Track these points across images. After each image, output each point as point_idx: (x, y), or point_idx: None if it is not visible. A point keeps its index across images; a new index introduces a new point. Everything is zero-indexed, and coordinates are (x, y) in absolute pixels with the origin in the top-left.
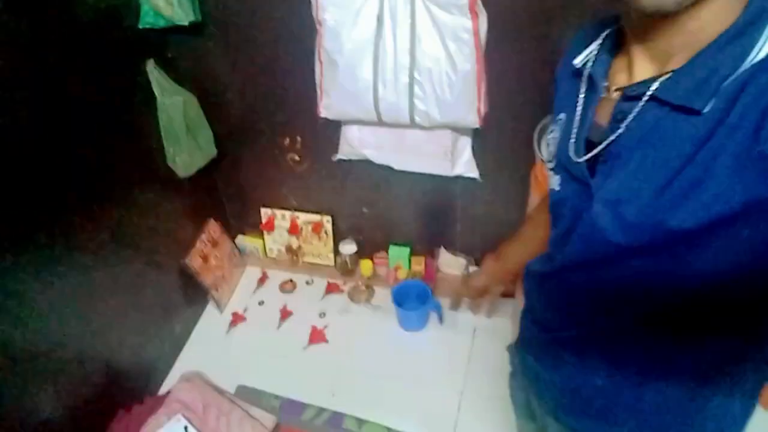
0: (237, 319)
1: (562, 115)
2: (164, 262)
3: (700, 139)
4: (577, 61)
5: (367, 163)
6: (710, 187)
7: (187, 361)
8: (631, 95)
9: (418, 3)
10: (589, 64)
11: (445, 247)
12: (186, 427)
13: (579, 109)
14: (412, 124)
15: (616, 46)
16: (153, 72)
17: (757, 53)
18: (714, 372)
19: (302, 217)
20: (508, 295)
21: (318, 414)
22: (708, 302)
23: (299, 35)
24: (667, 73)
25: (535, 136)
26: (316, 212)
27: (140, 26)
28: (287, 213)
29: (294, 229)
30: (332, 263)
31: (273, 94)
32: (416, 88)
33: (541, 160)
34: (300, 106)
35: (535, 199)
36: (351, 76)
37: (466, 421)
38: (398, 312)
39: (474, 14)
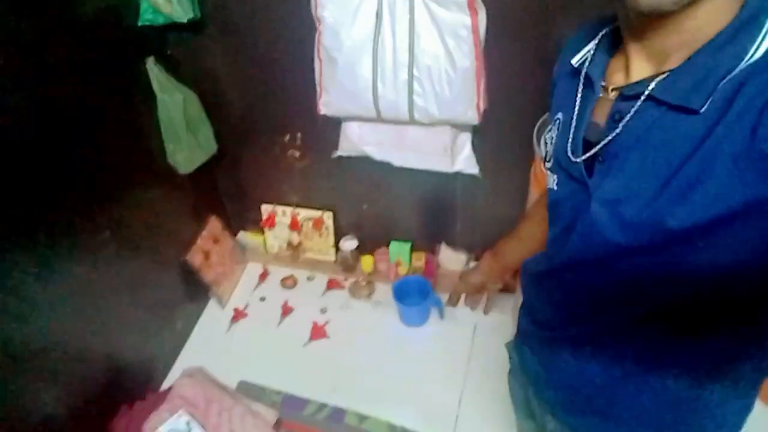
0: (238, 315)
1: (560, 115)
2: (165, 259)
3: (697, 138)
4: (575, 61)
5: (368, 159)
6: (709, 186)
7: (189, 357)
8: (628, 95)
9: (417, 0)
10: (587, 63)
11: (446, 243)
12: (188, 423)
13: (576, 108)
14: (412, 121)
15: (614, 45)
16: (153, 69)
17: (754, 52)
18: (713, 370)
19: (303, 214)
20: (508, 290)
21: (319, 409)
22: (707, 301)
23: (299, 32)
24: (664, 72)
25: (535, 132)
26: (317, 208)
27: (139, 24)
28: (288, 209)
29: (295, 226)
30: (333, 259)
31: (273, 91)
32: (415, 85)
33: (541, 157)
34: (300, 103)
35: (534, 195)
36: (350, 74)
37: (467, 416)
38: (399, 308)
39: (473, 11)
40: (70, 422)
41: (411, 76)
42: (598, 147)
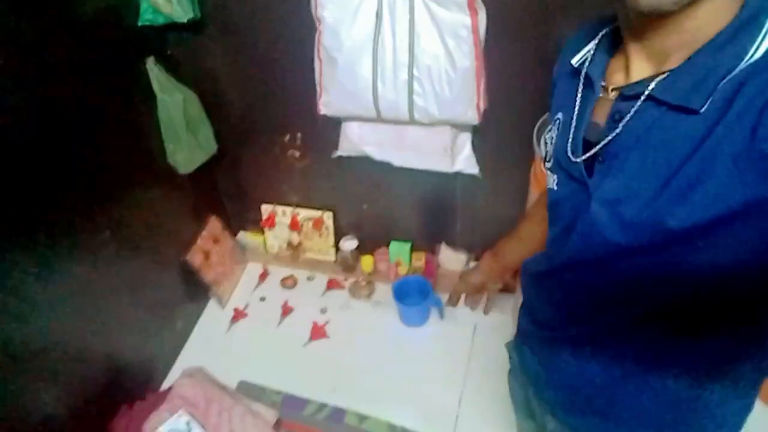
0: (238, 315)
1: (560, 115)
2: (166, 259)
3: (697, 138)
4: (575, 61)
5: (368, 159)
6: (709, 186)
7: (189, 357)
8: (628, 95)
9: (417, 0)
10: (587, 63)
11: (446, 243)
12: (188, 423)
13: (576, 108)
14: (412, 121)
15: (614, 45)
16: (153, 69)
17: (754, 52)
18: (713, 370)
19: (303, 214)
20: (508, 290)
21: (319, 409)
22: (707, 301)
23: (299, 32)
24: (664, 72)
25: (535, 132)
26: (317, 208)
27: (139, 24)
28: (288, 209)
29: (295, 226)
30: (333, 259)
31: (273, 91)
32: (415, 85)
33: (541, 157)
34: (300, 103)
35: (534, 195)
36: (350, 74)
37: (467, 416)
38: (399, 308)
39: (473, 11)
40: (70, 422)
41: (411, 76)
42: (598, 147)
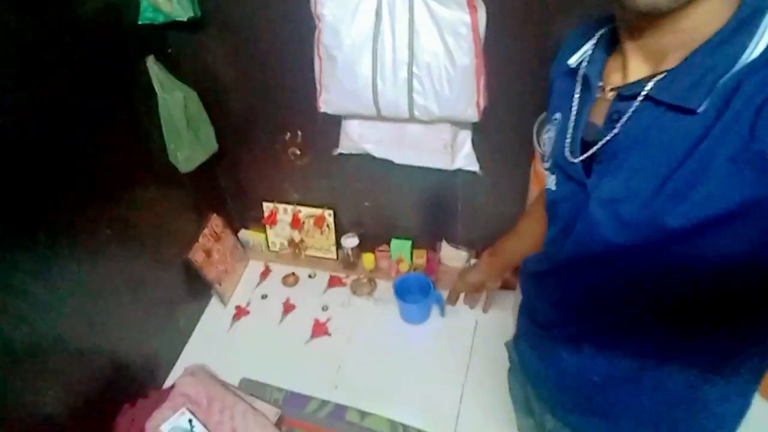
0: (240, 312)
1: (558, 115)
2: (167, 257)
3: (695, 138)
4: (572, 61)
5: (368, 157)
6: (707, 185)
7: (191, 355)
8: (626, 95)
9: None
10: (584, 63)
11: (447, 240)
12: (190, 420)
13: (574, 109)
14: (412, 119)
15: (611, 46)
16: (153, 68)
17: (752, 52)
18: (713, 368)
19: (304, 211)
20: (508, 287)
21: (321, 406)
22: (706, 300)
23: (298, 30)
24: (661, 72)
25: (535, 129)
26: (318, 206)
27: (140, 22)
28: (289, 207)
29: (296, 223)
30: (334, 257)
31: (273, 89)
32: (415, 83)
33: (540, 154)
34: (300, 101)
35: (534, 192)
36: (350, 72)
37: (468, 413)
38: (400, 305)
39: (472, 9)
40: (72, 421)
41: (411, 74)
42: (597, 147)
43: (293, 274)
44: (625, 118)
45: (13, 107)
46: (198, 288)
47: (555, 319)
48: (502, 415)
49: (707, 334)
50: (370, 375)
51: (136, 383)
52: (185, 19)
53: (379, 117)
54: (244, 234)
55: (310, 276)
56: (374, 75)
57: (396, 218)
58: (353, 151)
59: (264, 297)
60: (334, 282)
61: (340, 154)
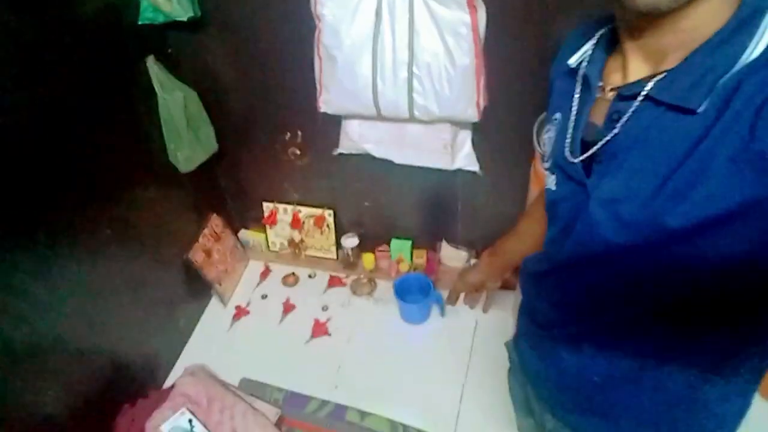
0: (240, 312)
1: (558, 115)
2: (167, 257)
3: (695, 138)
4: (572, 61)
5: (368, 156)
6: (707, 185)
7: (191, 355)
8: (626, 95)
9: None
10: (584, 64)
11: (447, 240)
12: (190, 420)
13: (574, 109)
14: (412, 119)
15: (611, 46)
16: (153, 68)
17: (752, 52)
18: (713, 368)
19: (304, 211)
20: (508, 287)
21: (321, 406)
22: (706, 300)
23: (299, 30)
24: (661, 72)
25: (535, 129)
26: (318, 206)
27: (140, 22)
28: (289, 207)
29: (296, 223)
30: (334, 257)
31: (273, 89)
32: (415, 83)
33: (540, 154)
34: (300, 101)
35: (534, 192)
36: (350, 72)
37: (469, 413)
38: (400, 305)
39: (472, 9)
40: (72, 421)
41: (411, 74)
42: (597, 147)
43: (293, 274)
44: (625, 118)
45: (13, 107)
46: (198, 288)
47: (555, 319)
48: (503, 415)
49: (707, 334)
50: (370, 375)
51: (136, 383)
52: (185, 19)
53: (379, 117)
54: (244, 234)
55: (310, 276)
56: (374, 75)
57: (396, 218)
58: (353, 151)
59: (264, 297)
60: (334, 282)
61: (340, 154)
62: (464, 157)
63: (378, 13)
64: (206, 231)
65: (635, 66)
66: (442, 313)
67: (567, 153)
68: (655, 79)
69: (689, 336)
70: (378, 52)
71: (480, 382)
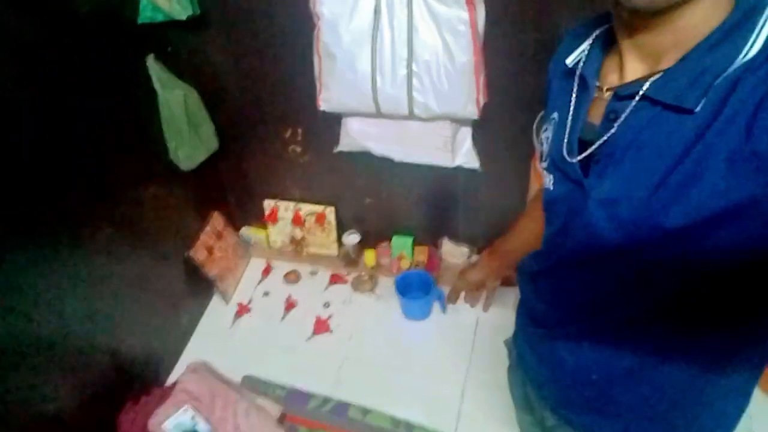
0: (242, 310)
1: (555, 115)
2: (169, 255)
3: (692, 137)
4: (569, 61)
5: (369, 154)
6: (704, 185)
7: (193, 352)
8: (623, 95)
9: None
10: (581, 63)
11: (448, 237)
12: (193, 417)
13: (571, 109)
14: (412, 116)
15: (608, 45)
16: (153, 66)
17: (748, 51)
18: (710, 365)
19: (305, 209)
20: (509, 284)
21: (323, 403)
22: (703, 299)
23: (298, 28)
24: (658, 72)
25: (535, 126)
26: (319, 203)
27: (139, 21)
28: (290, 204)
29: (297, 221)
30: (336, 254)
31: (273, 87)
32: (414, 81)
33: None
34: (300, 98)
35: (534, 188)
36: (349, 69)
37: (470, 410)
38: (402, 301)
39: (471, 6)
40: (76, 418)
41: (410, 71)
42: (594, 147)
43: (295, 271)
44: (622, 118)
45: (14, 107)
46: (200, 286)
47: (553, 318)
48: (504, 411)
49: (706, 332)
50: (371, 372)
51: (139, 380)
52: (185, 18)
53: (379, 114)
54: (246, 231)
55: (311, 273)
56: (373, 73)
57: (397, 215)
58: (354, 149)
59: (266, 294)
60: (335, 279)
61: (341, 151)
62: (464, 154)
63: (377, 11)
64: (208, 229)
65: (632, 65)
66: (444, 309)
67: (564, 153)
68: (652, 78)
69: (688, 334)
70: (377, 49)
71: (481, 378)
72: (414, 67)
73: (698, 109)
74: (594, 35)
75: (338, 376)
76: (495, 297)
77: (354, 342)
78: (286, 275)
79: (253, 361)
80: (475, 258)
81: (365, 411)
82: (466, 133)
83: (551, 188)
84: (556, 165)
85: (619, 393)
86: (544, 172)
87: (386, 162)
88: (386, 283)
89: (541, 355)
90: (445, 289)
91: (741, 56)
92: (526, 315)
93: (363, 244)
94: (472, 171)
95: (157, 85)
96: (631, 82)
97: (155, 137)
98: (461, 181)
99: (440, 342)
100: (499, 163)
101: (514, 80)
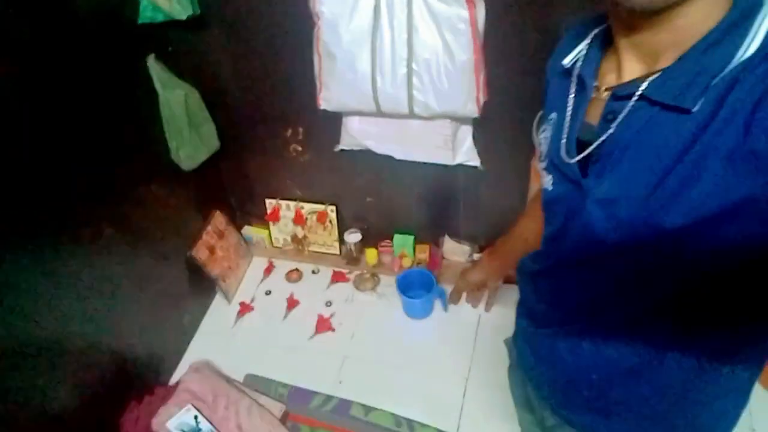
0: (244, 309)
1: (553, 115)
2: (171, 254)
3: (690, 137)
4: (566, 61)
5: (370, 152)
6: (703, 185)
7: (196, 352)
8: (621, 95)
9: None
10: (579, 63)
11: (449, 235)
12: (196, 417)
13: (569, 109)
14: (412, 115)
15: (605, 45)
16: (154, 67)
17: (746, 51)
18: (709, 365)
19: (307, 207)
20: (511, 282)
21: (325, 402)
22: (703, 299)
23: (298, 28)
24: (655, 72)
25: (535, 124)
26: (321, 202)
27: (139, 22)
28: (292, 203)
29: (299, 219)
30: (337, 252)
31: (273, 86)
32: (414, 79)
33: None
34: (301, 97)
35: (534, 188)
36: (349, 69)
37: (472, 408)
38: (403, 300)
39: (471, 4)
40: (77, 419)
41: (410, 70)
42: (592, 147)
43: (297, 270)
44: (620, 118)
45: (14, 107)
46: (202, 285)
47: (553, 318)
48: (506, 409)
49: (705, 332)
50: (373, 370)
51: (141, 380)
52: (185, 18)
53: (379, 113)
54: (248, 231)
55: (313, 272)
56: (373, 71)
57: (398, 213)
58: (354, 148)
59: (268, 293)
60: (337, 277)
61: (342, 150)
62: (465, 153)
63: (376, 10)
64: (209, 228)
65: (629, 65)
66: (445, 308)
67: (563, 153)
68: (650, 78)
69: (687, 334)
70: (377, 48)
71: (483, 376)
72: (414, 66)
73: (696, 108)
74: (592, 35)
75: (340, 374)
76: (497, 297)
77: (356, 340)
78: (288, 274)
79: (255, 360)
80: (476, 256)
81: (367, 409)
82: (467, 131)
83: (550, 188)
84: (555, 165)
85: (619, 393)
86: (543, 172)
87: (387, 160)
88: (388, 282)
89: (540, 355)
90: (447, 288)
91: (738, 56)
92: (525, 315)
93: (364, 243)
94: (472, 169)
95: (157, 85)
96: (629, 82)
97: (156, 137)
98: (462, 180)
99: (442, 340)
100: (499, 161)
101: (515, 78)
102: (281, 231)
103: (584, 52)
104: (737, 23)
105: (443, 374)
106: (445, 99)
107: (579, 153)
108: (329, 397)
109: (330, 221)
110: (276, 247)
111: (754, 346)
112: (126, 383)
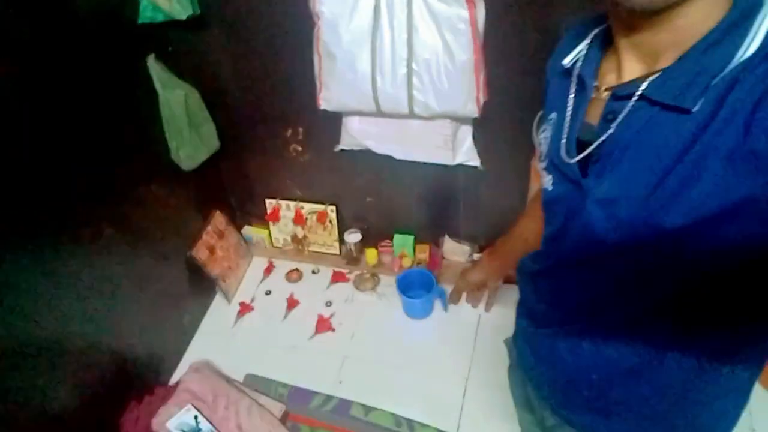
0: (244, 309)
1: (553, 115)
2: (171, 254)
3: (690, 137)
4: (566, 61)
5: (370, 152)
6: (702, 185)
7: (196, 352)
8: (621, 95)
9: None
10: (579, 63)
11: (449, 235)
12: (196, 417)
13: (569, 109)
14: (412, 115)
15: (605, 45)
16: (154, 67)
17: (746, 51)
18: (709, 365)
19: (307, 207)
20: (511, 281)
21: (325, 402)
22: (702, 298)
23: (298, 28)
24: (656, 72)
25: (535, 124)
26: (321, 202)
27: (139, 22)
28: (292, 203)
29: (299, 219)
30: (337, 252)
31: (273, 86)
32: (414, 79)
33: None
34: (301, 97)
35: (534, 188)
36: (349, 69)
37: (472, 408)
38: (403, 300)
39: (471, 4)
40: (79, 418)
41: (410, 70)
42: (592, 147)
43: (297, 270)
44: (620, 118)
45: (14, 107)
46: (202, 285)
47: (553, 318)
48: (505, 409)
49: (705, 332)
50: (374, 370)
51: (141, 380)
52: (185, 18)
53: (379, 113)
54: (248, 231)
55: (313, 272)
56: (373, 72)
57: (398, 213)
58: (354, 148)
59: (268, 293)
60: (337, 277)
61: (342, 150)
62: (465, 153)
63: (376, 10)
64: (209, 228)
65: (629, 65)
66: (445, 308)
67: (563, 153)
68: (650, 78)
69: (687, 334)
70: (377, 48)
71: (483, 376)
72: (414, 66)
73: (696, 108)
74: (592, 35)
75: (340, 374)
76: (497, 297)
77: (356, 340)
78: (288, 274)
79: (255, 360)
80: (476, 256)
81: (367, 409)
82: (467, 131)
83: (550, 188)
84: (555, 165)
85: (619, 393)
86: (543, 172)
87: (387, 160)
88: (388, 282)
89: (540, 355)
90: (447, 288)
91: (738, 56)
92: (525, 315)
93: (364, 243)
94: (472, 169)
95: (157, 85)
96: (629, 82)
97: (156, 137)
98: (462, 180)
99: (442, 340)
100: (499, 161)
101: (515, 78)
102: (281, 231)
103: (584, 52)
104: (737, 23)
105: (443, 374)
106: (445, 99)
107: (579, 153)
108: (329, 397)
109: (330, 221)
110: (276, 247)
111: (754, 346)
112: (126, 383)
